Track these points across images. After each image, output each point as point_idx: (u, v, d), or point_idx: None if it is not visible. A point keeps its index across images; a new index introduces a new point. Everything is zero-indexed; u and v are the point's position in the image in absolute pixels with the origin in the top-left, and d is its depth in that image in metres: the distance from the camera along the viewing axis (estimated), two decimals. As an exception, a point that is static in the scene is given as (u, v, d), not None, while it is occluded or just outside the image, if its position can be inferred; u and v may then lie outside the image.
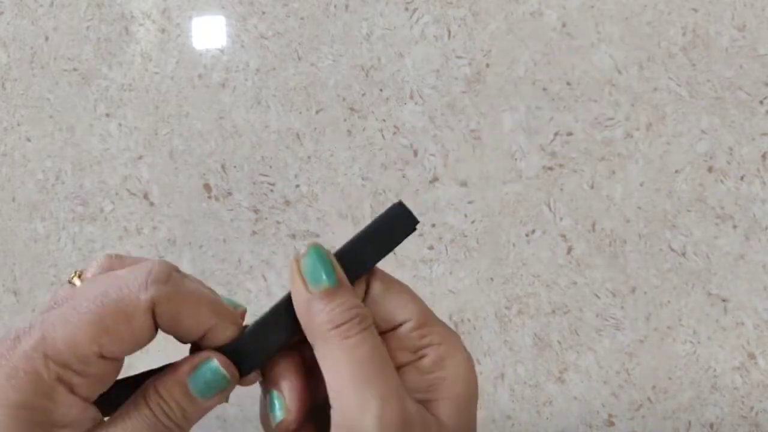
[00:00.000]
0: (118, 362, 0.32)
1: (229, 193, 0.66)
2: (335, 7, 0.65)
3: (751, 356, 0.61)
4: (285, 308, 0.34)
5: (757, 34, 0.59)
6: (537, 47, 0.65)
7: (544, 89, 0.63)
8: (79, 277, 0.34)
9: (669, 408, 0.62)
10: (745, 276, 0.60)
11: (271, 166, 0.66)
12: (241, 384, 0.34)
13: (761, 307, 0.60)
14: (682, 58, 0.60)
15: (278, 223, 0.66)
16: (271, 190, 0.66)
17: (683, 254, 0.61)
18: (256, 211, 0.66)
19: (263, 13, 0.66)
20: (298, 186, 0.66)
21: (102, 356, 0.30)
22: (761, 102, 0.59)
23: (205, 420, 0.33)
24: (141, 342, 0.31)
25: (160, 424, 0.31)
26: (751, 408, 0.61)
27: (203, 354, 0.33)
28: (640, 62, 0.61)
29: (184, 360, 0.33)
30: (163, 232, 0.67)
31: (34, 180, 0.69)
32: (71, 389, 0.30)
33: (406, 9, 0.64)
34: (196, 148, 0.67)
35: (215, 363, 0.32)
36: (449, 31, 0.63)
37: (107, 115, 0.68)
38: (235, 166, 0.66)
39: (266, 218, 0.66)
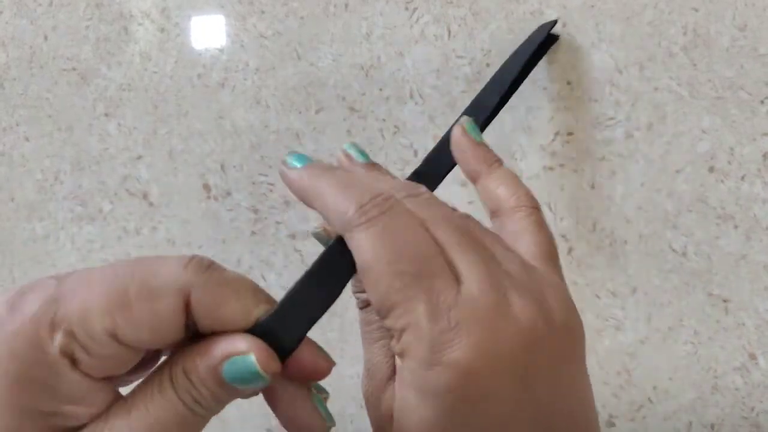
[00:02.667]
0: (135, 352, 0.27)
1: (229, 193, 0.66)
2: (335, 6, 0.64)
3: (752, 357, 0.60)
4: (328, 264, 0.30)
5: (758, 33, 0.59)
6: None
7: (545, 89, 0.62)
8: None
9: (670, 408, 0.62)
10: (747, 276, 0.60)
11: (270, 166, 0.66)
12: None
13: (762, 307, 0.60)
14: (682, 58, 0.60)
15: (278, 223, 0.66)
16: (271, 190, 0.65)
17: (684, 254, 0.61)
18: (255, 211, 0.66)
19: (263, 12, 0.66)
20: (297, 186, 0.65)
21: (114, 338, 0.26)
22: (762, 102, 0.59)
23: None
24: (161, 335, 0.27)
25: (188, 411, 0.27)
26: (752, 408, 0.61)
27: (239, 343, 0.28)
28: (640, 62, 0.61)
29: (217, 341, 0.28)
30: (162, 233, 0.67)
31: (32, 180, 0.69)
32: (74, 364, 0.26)
33: (406, 8, 0.63)
34: (195, 148, 0.67)
35: (252, 360, 0.27)
36: (449, 31, 0.63)
37: (106, 114, 0.68)
38: (234, 166, 0.66)
39: (266, 218, 0.66)
